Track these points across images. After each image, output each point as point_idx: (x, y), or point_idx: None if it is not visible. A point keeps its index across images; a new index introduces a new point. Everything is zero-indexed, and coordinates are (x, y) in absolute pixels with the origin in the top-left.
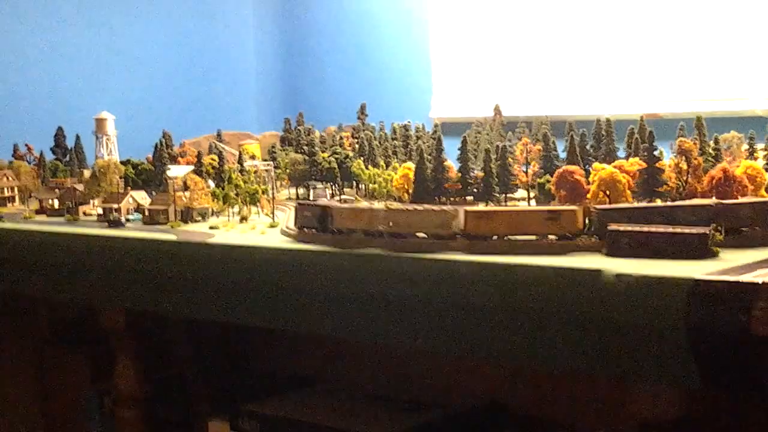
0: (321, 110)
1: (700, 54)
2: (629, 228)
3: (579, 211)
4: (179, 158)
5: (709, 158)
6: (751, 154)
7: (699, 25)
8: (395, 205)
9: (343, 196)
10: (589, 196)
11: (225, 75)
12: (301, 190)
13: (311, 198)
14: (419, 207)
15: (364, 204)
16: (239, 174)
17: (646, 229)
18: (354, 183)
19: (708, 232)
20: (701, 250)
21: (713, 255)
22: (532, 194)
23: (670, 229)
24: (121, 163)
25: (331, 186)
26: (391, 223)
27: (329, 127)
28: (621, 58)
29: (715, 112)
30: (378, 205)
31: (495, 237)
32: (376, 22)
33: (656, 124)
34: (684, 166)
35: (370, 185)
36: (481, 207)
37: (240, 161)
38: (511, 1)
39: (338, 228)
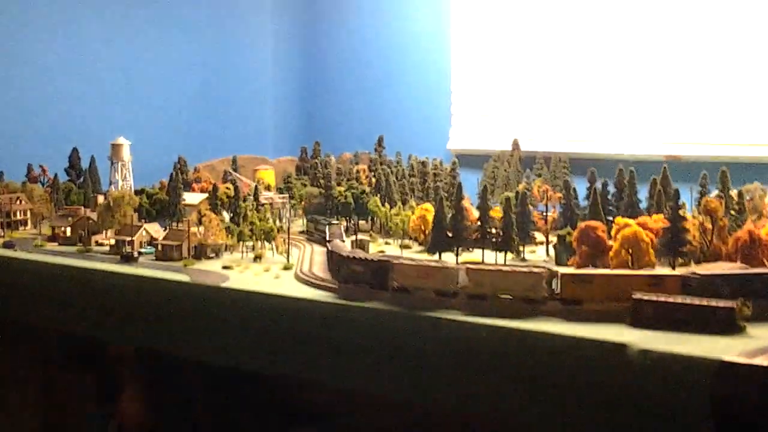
0: (337, 136)
1: (723, 98)
2: (654, 298)
3: (680, 278)
4: (194, 184)
5: (733, 212)
6: None
7: (723, 69)
8: (473, 261)
9: (359, 237)
10: (611, 253)
11: (242, 99)
12: (310, 223)
13: (327, 235)
14: (505, 266)
15: (431, 260)
16: (255, 211)
17: (671, 300)
18: (369, 218)
19: (734, 306)
20: (728, 325)
21: (740, 330)
22: (550, 243)
23: (696, 302)
24: (136, 192)
25: (346, 221)
26: (470, 283)
27: (345, 153)
28: (643, 98)
29: (737, 157)
30: (451, 261)
31: (590, 302)
32: (396, 51)
33: (677, 167)
34: (709, 225)
35: (387, 223)
36: (575, 270)
37: (255, 195)
38: (535, 36)
39: (400, 285)
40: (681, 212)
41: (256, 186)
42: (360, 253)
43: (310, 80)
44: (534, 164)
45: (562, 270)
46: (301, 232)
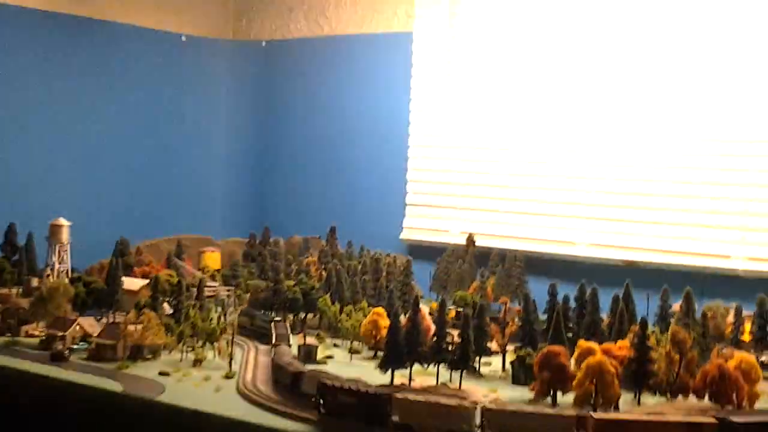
0: (288, 218)
1: (684, 208)
2: None
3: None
4: (135, 267)
5: (696, 336)
6: (738, 327)
7: (684, 180)
8: (493, 397)
9: (307, 341)
10: (574, 383)
11: (191, 177)
12: (244, 317)
13: (273, 334)
14: (531, 408)
15: (438, 393)
16: (197, 309)
17: None
18: (318, 315)
19: None
20: None
21: None
22: (507, 360)
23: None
24: (72, 280)
25: (293, 317)
26: (488, 425)
27: (294, 236)
28: (600, 203)
29: (694, 266)
30: (464, 400)
31: None
32: (353, 137)
33: (634, 273)
34: (676, 356)
35: (337, 324)
36: (611, 414)
37: (199, 291)
38: (493, 131)
39: (402, 423)
40: (648, 342)
41: (200, 281)
42: (350, 383)
43: (262, 162)
44: (489, 261)
45: (594, 414)
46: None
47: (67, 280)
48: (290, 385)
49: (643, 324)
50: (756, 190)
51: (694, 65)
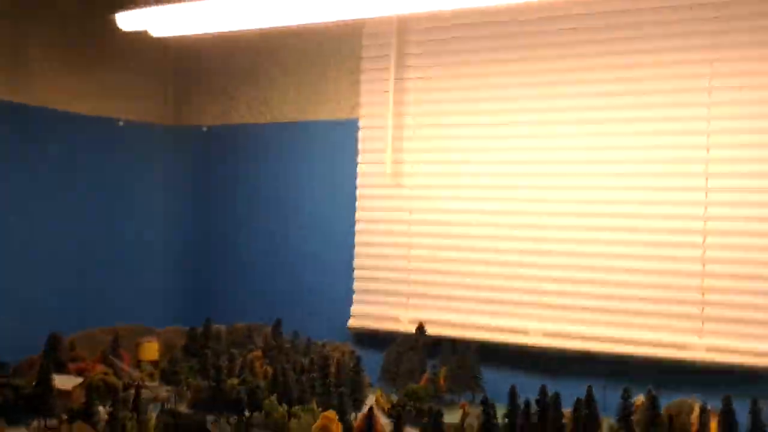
0: (230, 305)
1: (639, 296)
2: None
3: None
4: (69, 363)
5: None
6: (704, 426)
7: (637, 267)
8: None
9: None
10: None
11: (128, 264)
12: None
13: None
14: None
15: None
16: (135, 423)
17: None
18: (264, 414)
19: None
20: None
21: None
22: None
23: None
24: (2, 386)
25: (237, 417)
26: None
27: (237, 324)
28: (557, 288)
29: (651, 357)
30: None
31: None
32: (297, 225)
33: (593, 362)
34: None
35: (284, 427)
36: None
37: (137, 398)
38: (446, 218)
39: None
40: None
41: (137, 387)
42: None
43: (204, 248)
44: (440, 350)
45: None
46: None
47: None
48: None
49: None
50: (713, 280)
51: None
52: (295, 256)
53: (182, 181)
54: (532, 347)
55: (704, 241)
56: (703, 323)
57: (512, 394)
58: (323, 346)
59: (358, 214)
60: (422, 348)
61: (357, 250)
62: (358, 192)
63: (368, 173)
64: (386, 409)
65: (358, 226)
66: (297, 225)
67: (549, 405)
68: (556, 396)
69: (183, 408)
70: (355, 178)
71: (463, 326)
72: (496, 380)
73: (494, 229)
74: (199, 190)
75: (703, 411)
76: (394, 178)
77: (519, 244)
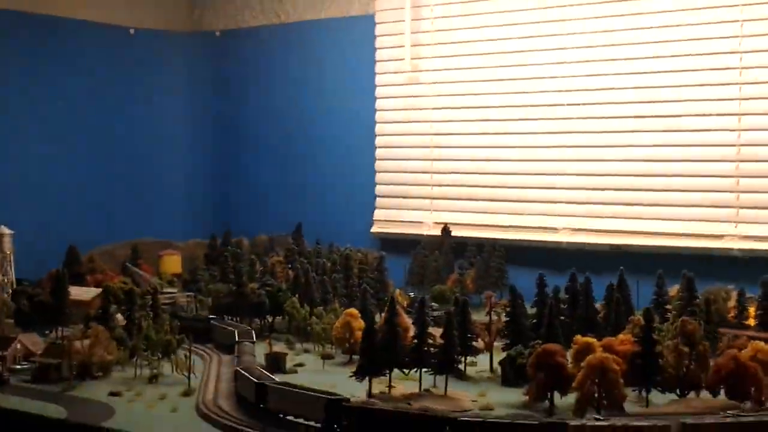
0: (252, 217)
1: (672, 187)
2: None
3: None
4: (87, 276)
5: (699, 319)
6: (741, 312)
7: (671, 157)
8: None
9: (273, 349)
10: (575, 384)
11: (146, 177)
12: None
13: (235, 354)
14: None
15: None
16: (151, 321)
17: None
18: (286, 318)
19: None
20: None
21: None
22: (495, 359)
23: None
24: (15, 293)
25: (259, 321)
26: None
27: (260, 236)
28: (586, 184)
29: (685, 248)
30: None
31: None
32: (316, 129)
33: (619, 257)
34: (686, 349)
35: (306, 328)
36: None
37: (154, 300)
38: (468, 114)
39: None
40: (654, 335)
41: (155, 288)
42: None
43: (222, 158)
44: (465, 252)
45: None
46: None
47: (6, 294)
48: (256, 401)
49: (648, 316)
50: (749, 165)
51: (680, 36)
52: (315, 164)
53: (197, 88)
54: (561, 245)
55: (739, 121)
56: (738, 211)
57: (540, 283)
58: (346, 250)
59: (377, 115)
60: (448, 250)
61: (378, 152)
62: (376, 91)
63: (387, 71)
64: (405, 305)
65: (378, 128)
66: (316, 131)
67: (579, 291)
68: (587, 282)
69: (204, 314)
70: (374, 77)
71: (490, 227)
72: (523, 281)
73: (520, 123)
74: (215, 97)
75: (741, 295)
76: (414, 75)
77: (545, 138)
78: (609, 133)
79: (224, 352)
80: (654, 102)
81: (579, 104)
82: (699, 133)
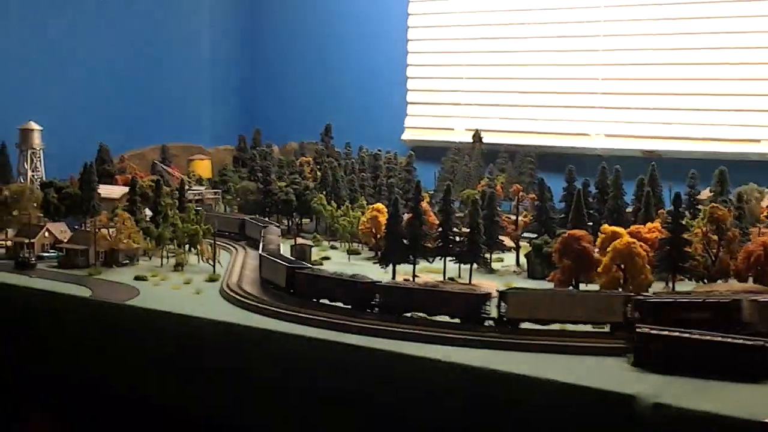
0: (282, 124)
1: (707, 91)
2: (666, 333)
3: None
4: (117, 175)
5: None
6: None
7: (704, 60)
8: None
9: (299, 241)
10: (600, 269)
11: (178, 82)
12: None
13: (261, 239)
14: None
15: None
16: (177, 210)
17: (687, 335)
18: (314, 217)
19: (767, 346)
20: (757, 369)
21: None
22: (521, 252)
23: (719, 338)
24: (44, 185)
25: (287, 221)
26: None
27: (290, 143)
28: (615, 91)
29: (719, 153)
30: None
31: None
32: (348, 34)
33: (650, 164)
34: (715, 237)
35: (333, 224)
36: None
37: (181, 191)
38: (501, 20)
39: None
40: (683, 221)
41: (182, 180)
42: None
43: (254, 64)
44: (497, 158)
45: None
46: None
47: (34, 185)
48: (287, 284)
49: (677, 201)
50: None
51: None
52: (347, 70)
53: None
54: (593, 151)
55: None
56: None
57: (569, 176)
58: (375, 151)
59: (410, 19)
60: (479, 156)
61: (410, 58)
62: None
63: None
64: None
65: (411, 33)
66: (348, 34)
67: (609, 185)
68: (617, 174)
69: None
70: None
71: (521, 133)
72: (555, 188)
73: (552, 27)
74: (242, 1)
75: None
76: None
77: (577, 42)
78: (645, 36)
79: (252, 247)
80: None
81: (614, 6)
82: (733, 35)
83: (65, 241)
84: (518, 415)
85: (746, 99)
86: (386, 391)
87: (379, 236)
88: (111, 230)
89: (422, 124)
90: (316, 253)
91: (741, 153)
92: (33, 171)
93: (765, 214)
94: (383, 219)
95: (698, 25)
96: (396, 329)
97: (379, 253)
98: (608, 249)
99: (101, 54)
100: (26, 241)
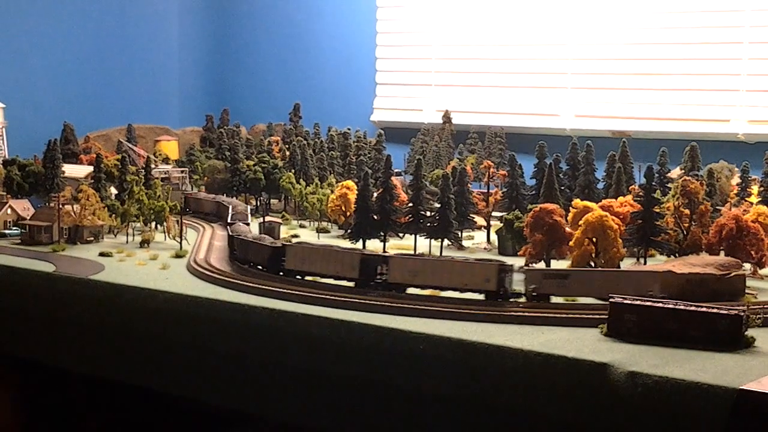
0: (250, 106)
1: (674, 72)
2: (638, 303)
3: None
4: (82, 155)
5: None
6: (745, 188)
7: (673, 41)
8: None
9: (268, 219)
10: (572, 243)
11: (145, 63)
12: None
13: (230, 224)
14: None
15: None
16: (143, 187)
17: (660, 305)
18: (282, 197)
19: (742, 314)
20: (733, 338)
21: (747, 345)
22: (492, 228)
23: (692, 307)
24: (6, 162)
25: (255, 201)
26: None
27: (258, 125)
28: (588, 68)
29: (689, 133)
30: None
31: None
32: (316, 14)
33: (619, 144)
34: (687, 210)
35: (302, 203)
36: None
37: (147, 168)
38: (470, 1)
39: None
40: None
41: (148, 157)
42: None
43: (221, 45)
44: (467, 139)
45: None
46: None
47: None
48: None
49: (649, 173)
50: (755, 48)
51: None
52: (315, 50)
53: None
54: (563, 131)
55: (745, 5)
56: (744, 95)
57: (540, 150)
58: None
59: (379, 0)
60: (449, 136)
61: (379, 38)
62: None
63: None
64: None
65: (379, 13)
66: (315, 14)
67: (580, 161)
68: (588, 150)
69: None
70: None
71: (490, 113)
72: (525, 166)
73: (521, 6)
74: None
75: (745, 172)
76: None
77: (545, 21)
78: (614, 16)
79: (220, 224)
80: None
81: None
82: (702, 14)
83: (28, 218)
84: (489, 383)
85: (716, 78)
86: (355, 363)
87: (348, 214)
88: (75, 206)
89: (391, 105)
90: (284, 232)
91: (711, 133)
92: None
93: (735, 191)
94: (353, 196)
95: (667, 5)
96: (373, 302)
97: (348, 231)
98: (580, 222)
99: (67, 33)
100: None
